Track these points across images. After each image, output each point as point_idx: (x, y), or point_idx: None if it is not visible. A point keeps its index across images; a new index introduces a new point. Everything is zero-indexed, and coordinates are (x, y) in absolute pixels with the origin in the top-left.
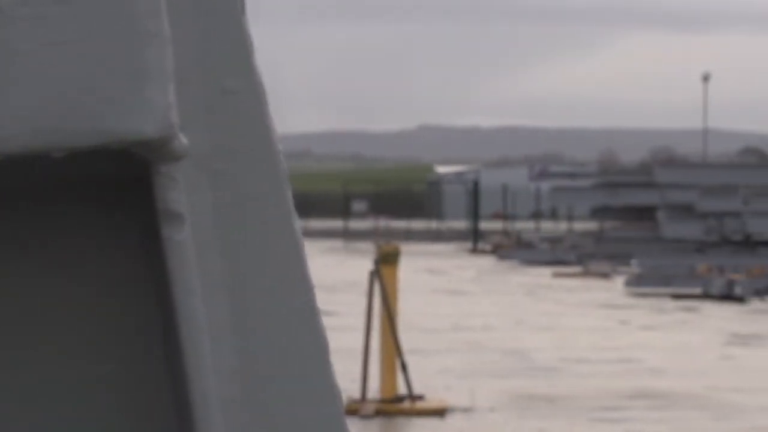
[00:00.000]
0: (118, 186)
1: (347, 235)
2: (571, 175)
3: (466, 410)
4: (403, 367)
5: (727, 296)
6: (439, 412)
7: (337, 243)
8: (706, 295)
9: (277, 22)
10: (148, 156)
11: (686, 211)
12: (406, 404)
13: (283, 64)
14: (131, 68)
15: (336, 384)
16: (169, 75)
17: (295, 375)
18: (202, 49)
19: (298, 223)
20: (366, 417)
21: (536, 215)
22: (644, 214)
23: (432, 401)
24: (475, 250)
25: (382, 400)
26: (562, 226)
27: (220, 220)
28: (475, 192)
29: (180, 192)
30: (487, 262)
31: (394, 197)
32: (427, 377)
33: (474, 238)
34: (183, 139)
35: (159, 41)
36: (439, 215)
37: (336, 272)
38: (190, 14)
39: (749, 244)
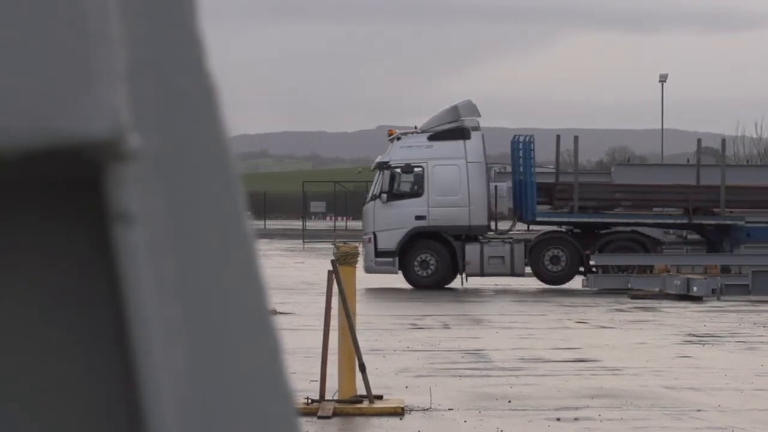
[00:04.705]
0: (69, 187)
1: (306, 235)
2: None
3: (425, 410)
4: (362, 368)
5: (685, 295)
6: (398, 412)
7: (296, 243)
8: (664, 294)
9: (234, 20)
10: (99, 157)
11: None
12: (365, 404)
13: (239, 64)
14: (80, 68)
15: (289, 384)
16: (119, 74)
17: (247, 376)
18: (154, 48)
19: (251, 224)
20: (324, 417)
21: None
22: None
23: (390, 401)
24: None
25: (341, 401)
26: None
27: (172, 220)
28: None
29: (131, 192)
30: None
31: (352, 198)
32: (385, 377)
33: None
34: (134, 139)
35: (109, 40)
36: None
37: (294, 273)
38: (140, 12)
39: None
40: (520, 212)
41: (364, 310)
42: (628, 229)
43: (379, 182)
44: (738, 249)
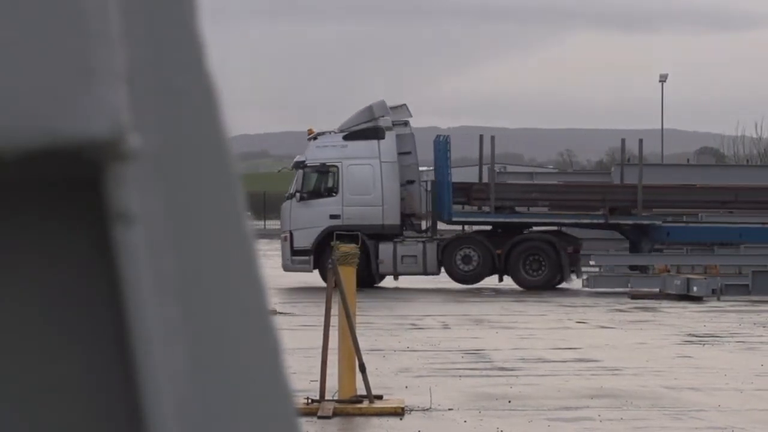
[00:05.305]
0: (69, 187)
1: None
2: (530, 176)
3: (425, 410)
4: (362, 368)
5: (685, 295)
6: (398, 412)
7: None
8: (664, 295)
9: (234, 20)
10: (99, 157)
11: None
12: (365, 404)
13: (239, 64)
14: (80, 68)
15: (289, 384)
16: (119, 74)
17: (247, 376)
18: (154, 48)
19: (251, 224)
20: (324, 417)
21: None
22: None
23: (390, 401)
24: None
25: (341, 401)
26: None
27: (172, 220)
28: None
29: (131, 192)
30: None
31: None
32: (385, 377)
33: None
34: (134, 140)
35: (109, 40)
36: None
37: (294, 273)
38: (140, 12)
39: (706, 243)
40: (438, 212)
41: (364, 310)
42: (551, 228)
43: (295, 181)
44: (656, 249)
